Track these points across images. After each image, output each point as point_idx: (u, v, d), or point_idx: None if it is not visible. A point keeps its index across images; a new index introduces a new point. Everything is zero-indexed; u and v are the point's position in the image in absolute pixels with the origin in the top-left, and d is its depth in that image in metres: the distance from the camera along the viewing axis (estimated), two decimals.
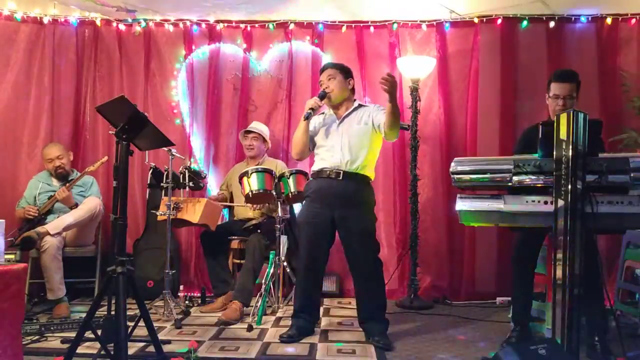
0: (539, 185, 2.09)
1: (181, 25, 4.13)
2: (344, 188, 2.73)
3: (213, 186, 4.13)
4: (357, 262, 2.78)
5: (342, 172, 2.73)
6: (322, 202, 2.75)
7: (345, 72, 2.88)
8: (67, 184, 3.49)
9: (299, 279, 2.91)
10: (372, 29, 4.07)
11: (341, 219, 2.73)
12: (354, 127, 2.79)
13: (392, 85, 2.54)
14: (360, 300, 2.83)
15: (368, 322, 2.78)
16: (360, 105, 2.88)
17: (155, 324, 2.24)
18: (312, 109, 2.77)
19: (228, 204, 3.85)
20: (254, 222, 3.62)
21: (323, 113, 2.95)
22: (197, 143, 4.14)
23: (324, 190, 2.75)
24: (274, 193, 3.30)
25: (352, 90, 2.91)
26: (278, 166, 3.69)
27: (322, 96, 2.81)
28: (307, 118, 2.79)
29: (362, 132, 2.78)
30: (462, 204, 2.18)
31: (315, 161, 2.90)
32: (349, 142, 2.76)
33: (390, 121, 2.66)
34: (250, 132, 3.78)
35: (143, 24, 4.13)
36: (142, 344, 2.56)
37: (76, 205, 3.46)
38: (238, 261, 3.73)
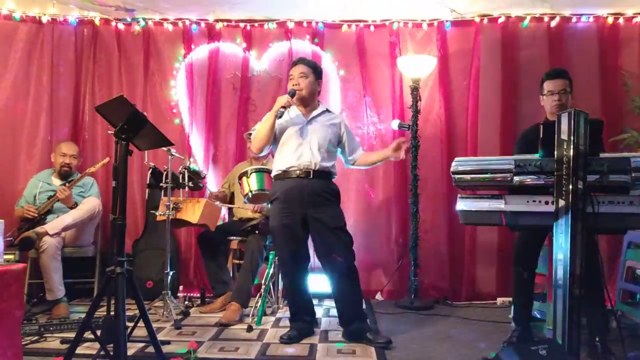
0: (540, 185, 2.08)
1: (180, 24, 4.13)
2: (314, 186, 2.72)
3: (213, 186, 4.12)
4: (334, 258, 2.73)
5: (311, 171, 2.72)
6: (293, 202, 2.72)
7: (318, 73, 2.86)
8: (68, 184, 3.48)
9: (287, 283, 2.89)
10: (372, 28, 4.07)
11: (313, 217, 2.72)
12: (323, 130, 2.80)
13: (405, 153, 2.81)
14: (340, 299, 2.79)
15: (353, 323, 2.75)
16: (327, 110, 2.90)
17: (154, 325, 2.24)
18: (284, 107, 2.72)
19: (228, 205, 3.83)
20: (252, 222, 3.61)
21: (288, 111, 2.86)
22: (197, 143, 4.14)
23: (294, 190, 2.72)
24: None
25: (319, 92, 2.92)
26: None
27: (293, 94, 2.77)
28: (280, 116, 2.75)
29: (329, 138, 2.81)
30: (462, 204, 2.17)
31: (277, 160, 2.83)
32: (318, 144, 2.76)
33: (368, 164, 2.97)
34: None
35: (142, 23, 4.12)
36: (141, 345, 2.56)
37: (76, 205, 3.45)
38: (238, 261, 3.73)
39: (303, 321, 2.84)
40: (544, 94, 2.75)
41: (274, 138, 2.83)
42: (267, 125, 2.77)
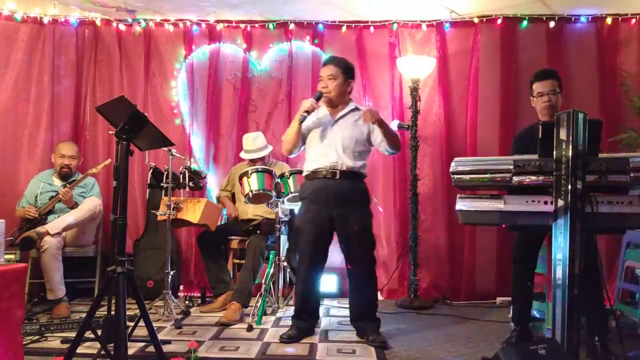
0: (539, 185, 2.09)
1: (181, 25, 4.14)
2: (341, 187, 2.73)
3: (213, 186, 4.13)
4: (354, 260, 2.78)
5: (338, 171, 2.72)
6: (320, 202, 2.74)
7: (348, 73, 2.83)
8: (70, 184, 3.48)
9: (300, 280, 2.89)
10: (372, 29, 4.07)
11: (340, 217, 2.73)
12: (348, 130, 2.78)
13: (373, 117, 2.65)
14: (353, 297, 2.84)
15: (360, 320, 2.80)
16: (356, 108, 2.87)
17: (155, 324, 2.24)
18: (307, 111, 2.72)
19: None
20: (254, 222, 3.62)
21: (317, 111, 2.86)
22: (197, 143, 4.14)
23: (321, 191, 2.74)
24: (274, 193, 3.30)
25: (350, 91, 2.89)
26: (284, 169, 3.67)
27: (319, 97, 2.77)
28: (302, 121, 2.75)
29: (357, 136, 2.79)
30: (462, 204, 2.18)
31: (307, 160, 2.86)
32: (343, 144, 2.75)
33: (388, 142, 2.75)
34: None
35: (143, 24, 4.13)
36: (142, 344, 2.56)
37: (76, 205, 3.46)
38: (238, 261, 3.74)
39: (305, 321, 2.84)
40: (533, 95, 2.77)
41: (303, 138, 2.84)
42: (293, 130, 2.79)
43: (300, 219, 2.86)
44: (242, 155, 3.82)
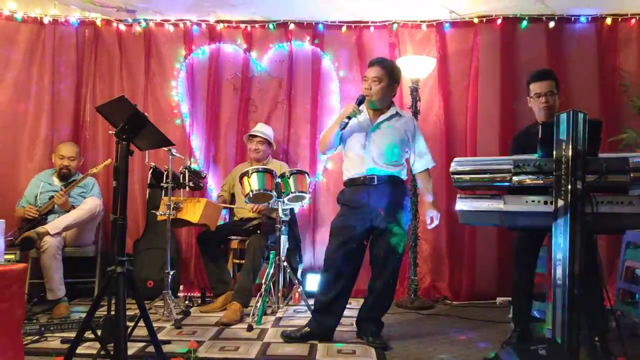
0: (539, 185, 2.09)
1: (181, 25, 4.14)
2: (378, 193, 2.68)
3: (213, 186, 4.13)
4: (378, 266, 2.76)
5: (375, 177, 2.69)
6: (357, 209, 2.70)
7: (394, 77, 2.75)
8: (69, 185, 3.48)
9: (328, 276, 2.76)
10: (372, 29, 4.08)
11: (374, 223, 2.69)
12: (386, 136, 2.72)
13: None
14: (371, 297, 2.80)
15: (364, 321, 2.79)
16: (397, 113, 2.80)
17: (155, 324, 2.25)
18: (349, 117, 2.65)
19: (228, 205, 3.86)
20: (254, 222, 3.62)
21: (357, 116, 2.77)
22: (197, 143, 4.15)
23: (359, 197, 2.71)
24: (274, 193, 3.30)
25: (394, 95, 2.83)
26: (282, 168, 3.68)
27: (361, 101, 2.69)
28: (343, 128, 2.68)
29: (394, 143, 2.73)
30: (462, 204, 2.18)
31: (345, 165, 2.82)
32: (379, 151, 2.70)
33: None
34: (256, 135, 3.78)
35: (143, 24, 4.13)
36: (142, 344, 2.56)
37: (72, 209, 3.45)
38: (238, 261, 3.74)
39: (318, 323, 2.76)
40: (530, 96, 2.76)
41: (342, 139, 2.80)
42: (332, 133, 2.74)
43: (335, 220, 2.80)
44: (247, 135, 3.86)
